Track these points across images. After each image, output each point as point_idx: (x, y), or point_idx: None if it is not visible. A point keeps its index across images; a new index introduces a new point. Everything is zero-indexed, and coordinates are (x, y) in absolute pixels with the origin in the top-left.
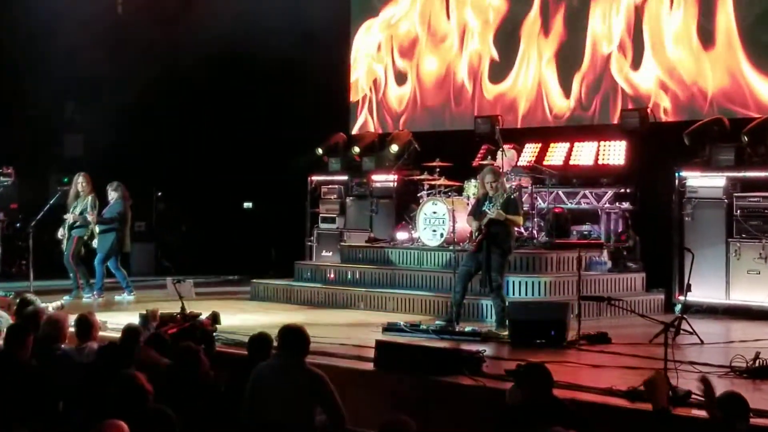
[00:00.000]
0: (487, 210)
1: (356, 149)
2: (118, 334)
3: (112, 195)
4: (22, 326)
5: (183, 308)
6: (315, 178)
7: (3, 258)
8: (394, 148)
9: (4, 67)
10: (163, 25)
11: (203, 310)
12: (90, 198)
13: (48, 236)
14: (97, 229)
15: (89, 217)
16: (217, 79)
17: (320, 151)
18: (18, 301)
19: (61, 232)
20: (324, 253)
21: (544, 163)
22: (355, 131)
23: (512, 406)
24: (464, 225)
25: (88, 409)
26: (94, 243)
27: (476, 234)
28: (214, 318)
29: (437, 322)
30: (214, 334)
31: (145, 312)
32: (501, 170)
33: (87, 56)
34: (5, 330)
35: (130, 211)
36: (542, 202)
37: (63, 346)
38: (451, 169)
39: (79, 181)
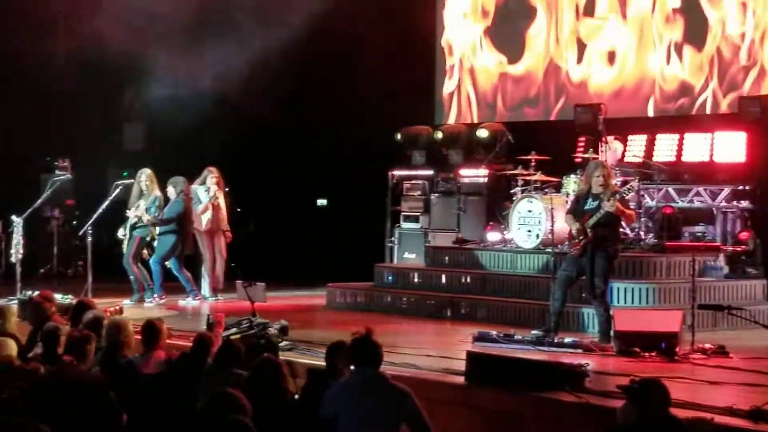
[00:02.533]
0: (589, 209)
1: (439, 134)
2: (183, 342)
3: (172, 192)
4: (82, 333)
5: (254, 313)
6: (396, 172)
7: (59, 259)
8: (483, 133)
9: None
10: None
11: (275, 315)
12: (153, 197)
13: (107, 235)
14: (157, 230)
15: (145, 219)
16: (288, 65)
17: (399, 136)
18: (74, 305)
19: (121, 232)
20: (406, 255)
21: (652, 156)
22: (440, 122)
23: (625, 426)
24: (563, 225)
25: (155, 423)
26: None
27: (577, 236)
28: (282, 329)
29: (534, 332)
30: (286, 342)
31: (208, 317)
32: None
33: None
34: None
35: (191, 210)
36: (650, 200)
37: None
38: (548, 164)
39: (143, 179)
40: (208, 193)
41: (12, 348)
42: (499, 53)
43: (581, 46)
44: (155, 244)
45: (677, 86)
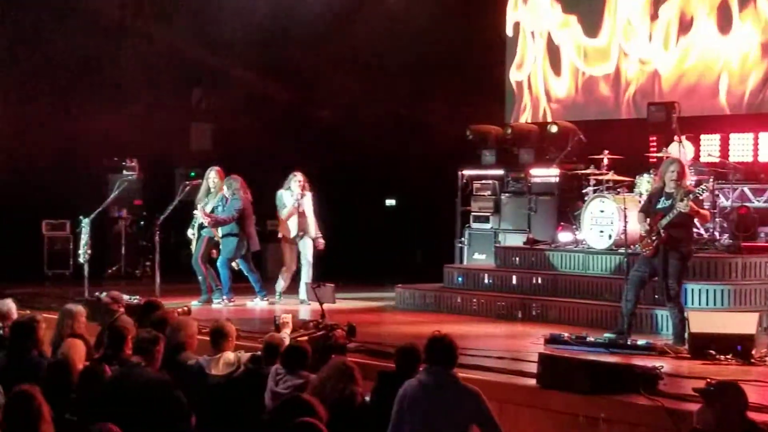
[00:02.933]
0: (662, 208)
1: (509, 133)
2: (251, 344)
3: (228, 192)
4: (150, 334)
5: (323, 314)
6: (466, 172)
7: (126, 259)
8: (554, 128)
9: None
10: None
11: (343, 316)
12: (220, 196)
13: (175, 236)
14: (220, 231)
15: (204, 218)
16: (356, 61)
17: (469, 135)
18: (142, 306)
19: (190, 232)
20: (476, 256)
21: (728, 156)
22: (511, 121)
23: (701, 429)
24: (636, 225)
25: (223, 425)
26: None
27: (649, 236)
28: (350, 329)
29: (606, 335)
30: (355, 344)
31: (275, 318)
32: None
33: (215, 36)
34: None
35: (251, 206)
36: (725, 200)
37: (195, 356)
38: (620, 163)
39: (211, 176)
40: (293, 198)
41: (81, 349)
42: (573, 50)
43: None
44: (220, 245)
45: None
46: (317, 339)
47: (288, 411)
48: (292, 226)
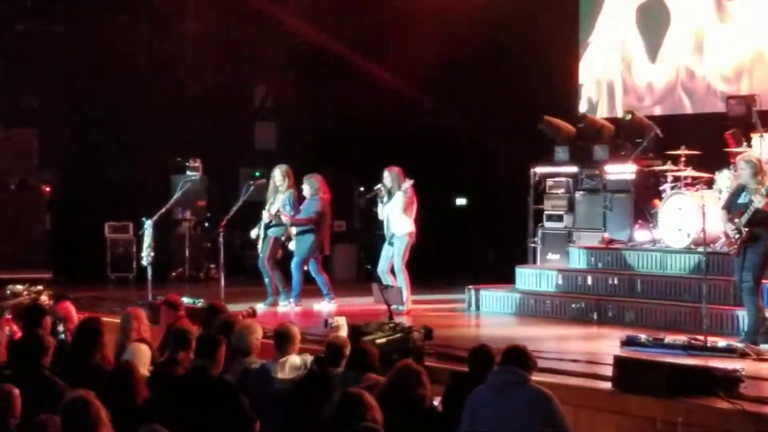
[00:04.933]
0: (742, 203)
1: (583, 128)
2: (316, 347)
3: (308, 191)
4: (212, 337)
5: (390, 317)
6: (539, 169)
7: (190, 262)
8: (628, 116)
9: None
10: None
11: (413, 318)
12: (288, 194)
13: (240, 237)
14: (294, 230)
15: (284, 218)
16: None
17: (542, 126)
18: (206, 309)
19: (255, 233)
20: (549, 256)
21: None
22: (584, 116)
23: None
24: (716, 223)
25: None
26: (291, 245)
27: (733, 235)
28: (427, 333)
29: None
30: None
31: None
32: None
33: (279, 32)
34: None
35: (329, 209)
36: None
37: (259, 360)
38: (699, 158)
39: (276, 175)
40: (405, 195)
41: (145, 354)
42: (643, 42)
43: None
44: (291, 246)
45: None
46: (395, 342)
47: (346, 409)
48: (407, 223)
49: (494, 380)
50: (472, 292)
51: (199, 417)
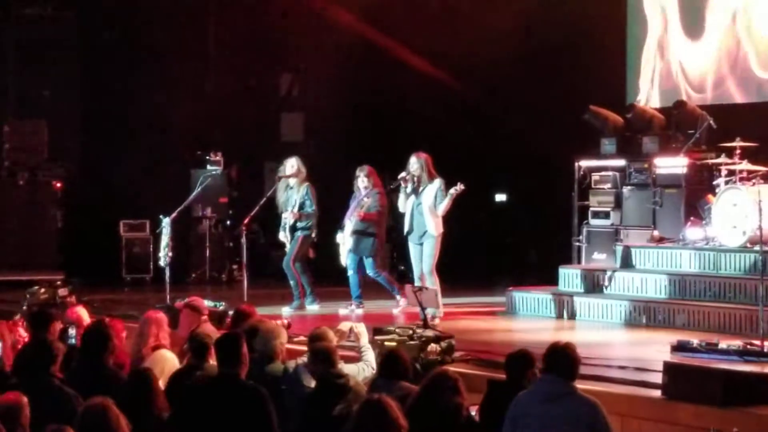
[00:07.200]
0: None
1: (631, 120)
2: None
3: (367, 182)
4: (235, 340)
5: (425, 320)
6: (583, 163)
7: (211, 262)
8: (680, 114)
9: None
10: None
11: (450, 324)
12: (305, 188)
13: (265, 236)
14: (349, 227)
15: (310, 210)
16: (458, 46)
17: (587, 116)
18: (233, 314)
19: (282, 234)
20: (595, 255)
21: None
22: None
23: None
24: None
25: None
26: (344, 246)
27: None
28: (449, 348)
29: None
30: (461, 353)
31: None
32: None
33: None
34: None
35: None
36: None
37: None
38: (755, 151)
39: (287, 168)
40: (443, 194)
41: (166, 360)
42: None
43: None
44: (342, 246)
45: None
46: (405, 348)
47: (367, 416)
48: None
49: (538, 390)
50: (513, 293)
51: (225, 425)
